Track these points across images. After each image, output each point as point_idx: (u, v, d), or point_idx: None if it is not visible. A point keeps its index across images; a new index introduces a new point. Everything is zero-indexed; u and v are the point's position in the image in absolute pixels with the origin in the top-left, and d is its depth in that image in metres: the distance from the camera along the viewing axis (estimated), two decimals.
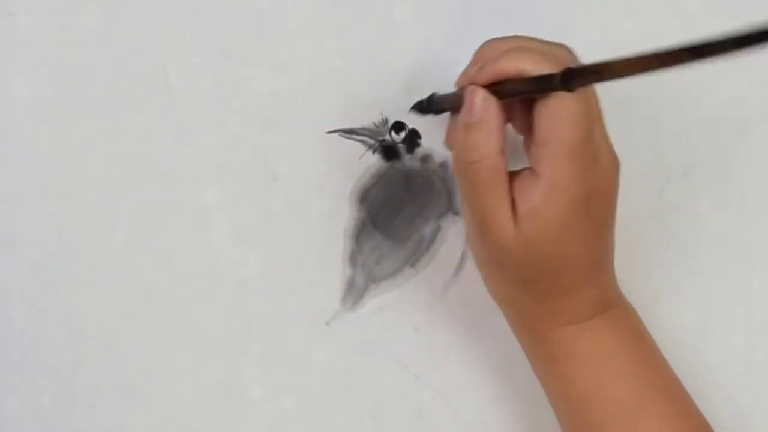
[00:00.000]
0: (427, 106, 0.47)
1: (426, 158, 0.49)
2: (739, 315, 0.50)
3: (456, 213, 0.49)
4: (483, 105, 0.40)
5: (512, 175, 0.40)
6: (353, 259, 0.50)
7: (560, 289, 0.41)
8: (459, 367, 0.49)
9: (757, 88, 0.50)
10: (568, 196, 0.38)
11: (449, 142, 0.43)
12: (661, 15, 0.50)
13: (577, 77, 0.36)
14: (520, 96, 0.40)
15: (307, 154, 0.49)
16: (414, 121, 0.49)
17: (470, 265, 0.49)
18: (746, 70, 0.50)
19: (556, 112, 0.38)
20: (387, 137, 0.49)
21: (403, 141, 0.49)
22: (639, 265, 0.49)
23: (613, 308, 0.43)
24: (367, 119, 0.49)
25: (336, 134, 0.49)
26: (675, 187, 0.50)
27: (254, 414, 0.49)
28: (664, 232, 0.50)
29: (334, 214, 0.49)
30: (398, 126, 0.49)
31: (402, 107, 0.49)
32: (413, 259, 0.50)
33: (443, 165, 0.49)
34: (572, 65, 0.37)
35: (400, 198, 0.49)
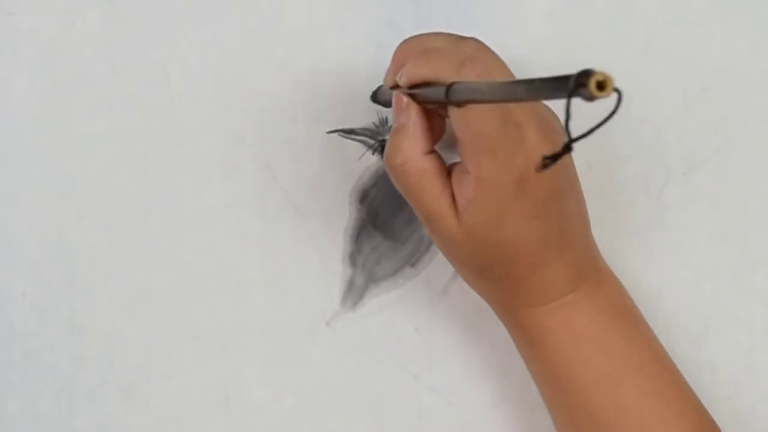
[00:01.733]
0: (377, 97, 0.47)
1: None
2: (740, 315, 0.50)
3: None
4: (405, 109, 0.41)
5: (453, 167, 0.41)
6: (353, 259, 0.50)
7: (519, 273, 0.41)
8: (459, 367, 0.49)
9: (757, 88, 0.50)
10: (497, 186, 0.39)
11: None
12: (662, 14, 0.50)
13: (458, 94, 0.36)
14: (433, 103, 0.40)
15: (307, 154, 0.49)
16: None
17: None
18: (747, 70, 0.50)
19: (463, 113, 0.38)
20: (387, 137, 0.49)
21: None
22: (639, 265, 0.49)
23: (586, 283, 0.42)
24: (367, 119, 0.49)
25: (336, 134, 0.49)
26: (675, 187, 0.50)
27: (254, 414, 0.49)
28: (664, 232, 0.50)
29: (334, 214, 0.49)
30: None
31: None
32: (413, 259, 0.50)
33: None
34: (455, 81, 0.37)
35: (400, 198, 0.49)
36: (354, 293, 0.49)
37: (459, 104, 0.37)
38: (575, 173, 0.42)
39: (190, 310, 0.49)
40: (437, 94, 0.38)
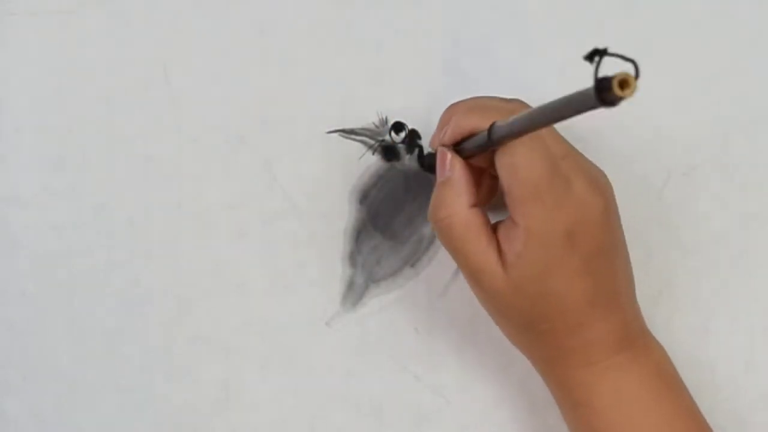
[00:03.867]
0: (424, 162, 0.49)
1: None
2: (739, 315, 0.50)
3: None
4: (449, 163, 0.41)
5: (499, 224, 0.41)
6: (353, 259, 0.50)
7: (565, 330, 0.41)
8: (459, 367, 0.49)
9: (757, 88, 0.50)
10: (545, 237, 0.39)
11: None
12: (662, 15, 0.50)
13: (497, 133, 0.38)
14: (477, 152, 0.41)
15: (307, 154, 0.49)
16: (414, 122, 0.49)
17: None
18: (746, 70, 0.50)
19: (510, 160, 0.39)
20: (387, 137, 0.49)
21: (403, 141, 0.49)
22: (639, 265, 0.49)
23: (633, 346, 0.42)
24: (367, 119, 0.49)
25: (336, 134, 0.49)
26: (675, 187, 0.50)
27: (254, 414, 0.49)
28: (664, 232, 0.50)
29: (334, 214, 0.50)
30: (398, 126, 0.49)
31: (402, 107, 0.49)
32: (413, 259, 0.50)
33: None
34: (496, 121, 0.38)
35: (399, 198, 0.49)
36: (354, 293, 0.49)
37: (499, 141, 0.38)
38: (623, 235, 0.43)
39: (190, 310, 0.49)
40: (481, 140, 0.39)
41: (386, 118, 0.49)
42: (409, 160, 0.49)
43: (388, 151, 0.49)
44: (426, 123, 0.49)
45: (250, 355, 0.49)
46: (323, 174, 0.49)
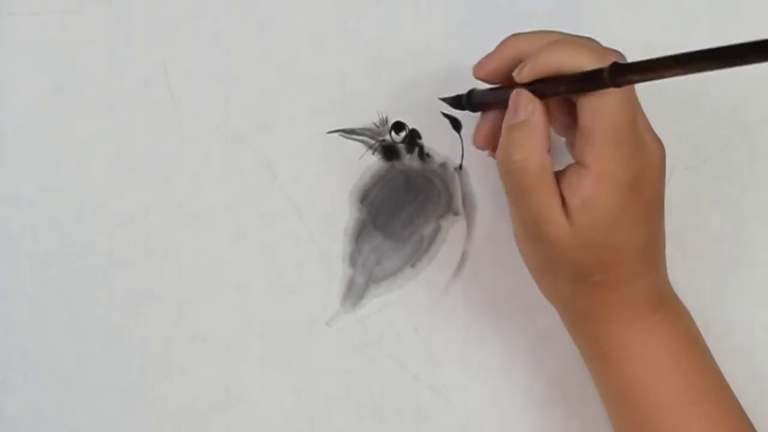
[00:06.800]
0: (466, 103, 0.46)
1: (426, 158, 0.49)
2: (739, 315, 0.50)
3: (456, 213, 0.49)
4: (529, 105, 0.40)
5: (557, 174, 0.40)
6: (353, 259, 0.50)
7: (614, 281, 0.41)
8: (459, 367, 0.49)
9: (757, 88, 0.50)
10: (616, 182, 0.39)
11: (479, 141, 0.44)
12: (662, 15, 0.50)
13: (626, 73, 0.37)
14: (563, 94, 0.40)
15: (307, 154, 0.49)
16: (414, 122, 0.49)
17: (470, 265, 0.49)
18: (746, 71, 0.50)
19: (600, 102, 0.38)
20: (387, 137, 0.49)
21: (403, 141, 0.49)
22: None
23: (665, 307, 0.43)
24: (367, 119, 0.49)
25: (336, 134, 0.49)
26: (675, 186, 0.50)
27: (254, 414, 0.49)
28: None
29: (334, 214, 0.50)
30: (398, 126, 0.49)
31: (402, 107, 0.49)
32: (413, 259, 0.50)
33: (443, 165, 0.49)
34: (619, 60, 0.37)
35: (400, 198, 0.49)
36: (354, 293, 0.49)
37: (618, 84, 0.37)
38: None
39: (190, 310, 0.49)
40: (587, 80, 0.38)
41: (386, 118, 0.49)
42: (409, 160, 0.49)
43: (388, 151, 0.49)
44: (426, 123, 0.49)
45: (250, 355, 0.49)
46: (323, 174, 0.49)
